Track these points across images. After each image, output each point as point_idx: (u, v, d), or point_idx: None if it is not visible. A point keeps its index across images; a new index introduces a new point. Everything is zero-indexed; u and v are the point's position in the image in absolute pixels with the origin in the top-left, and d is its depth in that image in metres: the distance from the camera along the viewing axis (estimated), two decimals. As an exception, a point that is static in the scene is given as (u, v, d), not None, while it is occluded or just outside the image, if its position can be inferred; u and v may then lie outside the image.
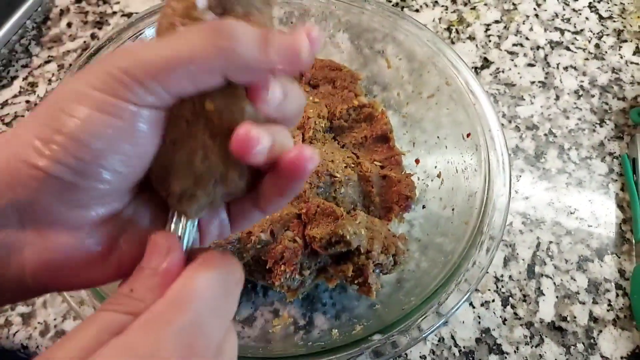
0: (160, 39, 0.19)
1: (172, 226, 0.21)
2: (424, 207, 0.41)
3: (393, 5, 0.59)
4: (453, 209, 0.38)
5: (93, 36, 0.55)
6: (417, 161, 0.43)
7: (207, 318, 0.18)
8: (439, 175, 0.41)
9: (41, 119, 0.18)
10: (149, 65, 0.18)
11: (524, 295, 0.42)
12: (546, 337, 0.41)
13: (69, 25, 0.55)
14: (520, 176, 0.48)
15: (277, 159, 0.20)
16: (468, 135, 0.38)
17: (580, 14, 0.59)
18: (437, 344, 0.40)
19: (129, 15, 0.56)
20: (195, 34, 0.18)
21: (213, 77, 0.18)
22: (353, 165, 0.42)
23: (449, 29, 0.57)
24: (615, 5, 0.59)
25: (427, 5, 0.59)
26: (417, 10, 0.58)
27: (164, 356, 0.16)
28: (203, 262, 0.19)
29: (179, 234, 0.20)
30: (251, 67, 0.18)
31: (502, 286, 0.43)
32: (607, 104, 0.52)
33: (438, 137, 0.42)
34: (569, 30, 0.58)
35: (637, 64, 0.55)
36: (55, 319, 0.40)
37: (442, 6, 0.59)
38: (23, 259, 0.19)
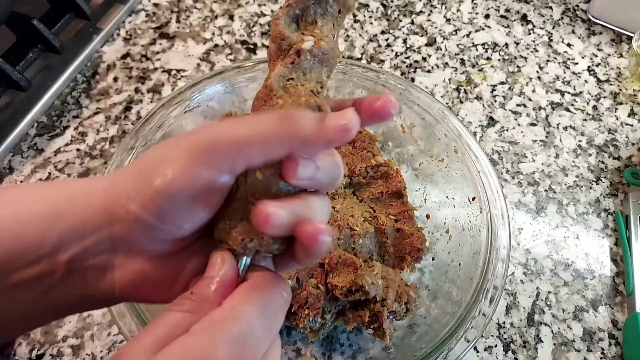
0: (240, 119, 0.23)
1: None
2: (433, 258, 0.46)
3: (407, 66, 0.64)
4: (460, 264, 0.42)
5: (137, 90, 0.61)
6: (427, 216, 0.48)
7: (257, 331, 0.22)
8: (447, 232, 0.45)
9: (136, 173, 0.23)
10: (230, 141, 0.22)
11: (524, 342, 0.46)
12: (544, 381, 0.45)
13: (115, 79, 0.62)
14: (522, 229, 0.53)
15: (298, 230, 0.23)
16: (473, 198, 0.42)
17: (580, 77, 0.64)
18: (444, 385, 0.44)
19: (169, 71, 0.62)
20: (268, 118, 0.23)
21: (280, 152, 0.23)
22: (370, 219, 0.47)
23: (457, 89, 0.63)
24: (612, 69, 0.65)
25: (438, 67, 0.64)
26: (429, 71, 0.64)
27: (217, 357, 0.20)
28: (258, 281, 0.23)
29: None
30: (310, 143, 0.23)
31: (504, 332, 0.47)
32: (603, 162, 0.57)
33: (447, 196, 0.47)
34: (568, 92, 0.63)
35: (631, 125, 0.60)
36: (101, 351, 0.45)
37: (452, 67, 0.64)
38: (113, 278, 0.24)
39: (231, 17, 0.68)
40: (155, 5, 0.69)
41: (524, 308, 0.48)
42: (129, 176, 0.23)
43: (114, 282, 0.24)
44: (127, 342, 0.22)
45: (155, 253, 0.24)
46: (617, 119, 0.61)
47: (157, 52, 0.64)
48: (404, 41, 0.67)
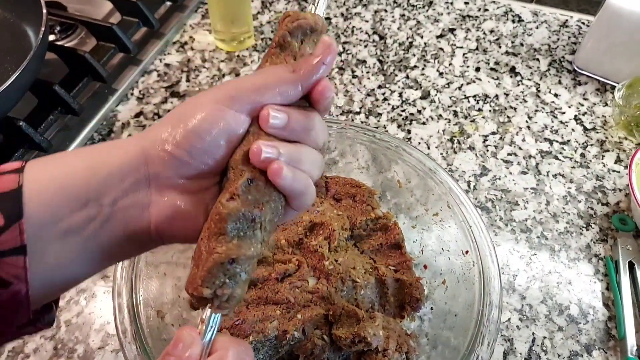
0: (255, 73, 0.29)
1: (205, 318, 0.27)
2: (432, 308, 0.48)
3: (403, 118, 0.68)
4: (456, 315, 0.45)
5: (149, 147, 0.65)
6: (425, 266, 0.51)
7: None
8: (444, 282, 0.48)
9: (171, 120, 0.28)
10: (251, 87, 0.28)
11: (522, 387, 0.48)
12: None
13: (129, 137, 0.66)
14: (517, 275, 0.55)
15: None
16: (466, 252, 0.45)
17: (567, 125, 0.68)
18: None
19: (179, 128, 0.66)
20: (280, 69, 0.29)
21: (295, 90, 0.28)
22: (371, 270, 0.50)
23: (451, 140, 0.66)
24: (598, 117, 0.68)
25: (432, 119, 0.68)
26: (423, 123, 0.68)
27: None
28: (223, 354, 0.27)
29: (208, 325, 0.27)
30: (311, 69, 0.28)
31: (502, 378, 0.49)
32: (592, 209, 0.60)
33: (442, 248, 0.49)
34: (557, 141, 0.66)
35: (618, 172, 0.63)
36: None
37: (446, 119, 0.68)
38: (150, 214, 0.27)
39: (237, 75, 0.73)
40: (167, 65, 0.74)
41: (520, 354, 0.50)
42: (165, 124, 0.28)
43: (150, 218, 0.27)
44: None
45: (185, 188, 0.28)
46: (604, 165, 0.64)
47: (169, 110, 0.68)
48: (400, 95, 0.71)
